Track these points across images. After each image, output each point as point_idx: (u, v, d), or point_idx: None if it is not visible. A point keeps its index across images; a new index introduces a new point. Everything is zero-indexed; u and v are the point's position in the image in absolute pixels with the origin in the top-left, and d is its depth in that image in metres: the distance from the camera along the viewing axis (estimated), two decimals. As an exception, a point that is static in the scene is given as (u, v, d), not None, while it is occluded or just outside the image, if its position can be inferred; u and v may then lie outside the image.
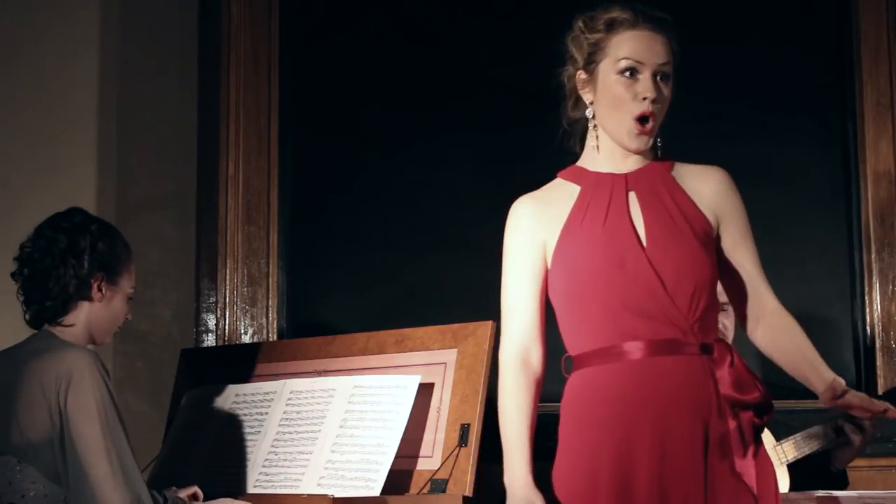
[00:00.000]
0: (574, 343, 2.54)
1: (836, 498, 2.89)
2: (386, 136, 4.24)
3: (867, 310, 4.18)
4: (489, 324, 2.98)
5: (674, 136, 4.16)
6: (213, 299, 4.11)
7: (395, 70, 4.26)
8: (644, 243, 2.50)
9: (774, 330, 2.56)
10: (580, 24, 2.62)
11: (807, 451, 3.44)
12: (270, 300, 4.12)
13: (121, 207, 4.21)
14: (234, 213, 4.13)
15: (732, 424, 2.46)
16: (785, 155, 4.25)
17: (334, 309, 4.16)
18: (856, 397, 2.45)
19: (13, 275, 2.89)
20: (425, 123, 4.24)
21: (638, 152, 2.58)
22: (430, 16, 4.29)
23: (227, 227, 4.13)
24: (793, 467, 3.44)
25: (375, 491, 2.86)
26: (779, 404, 3.97)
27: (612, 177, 2.58)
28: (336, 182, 4.24)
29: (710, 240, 2.56)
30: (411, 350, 3.12)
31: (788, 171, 4.25)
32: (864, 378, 4.17)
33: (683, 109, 4.24)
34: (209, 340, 4.09)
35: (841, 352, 4.21)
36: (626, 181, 2.57)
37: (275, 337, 4.08)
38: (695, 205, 2.57)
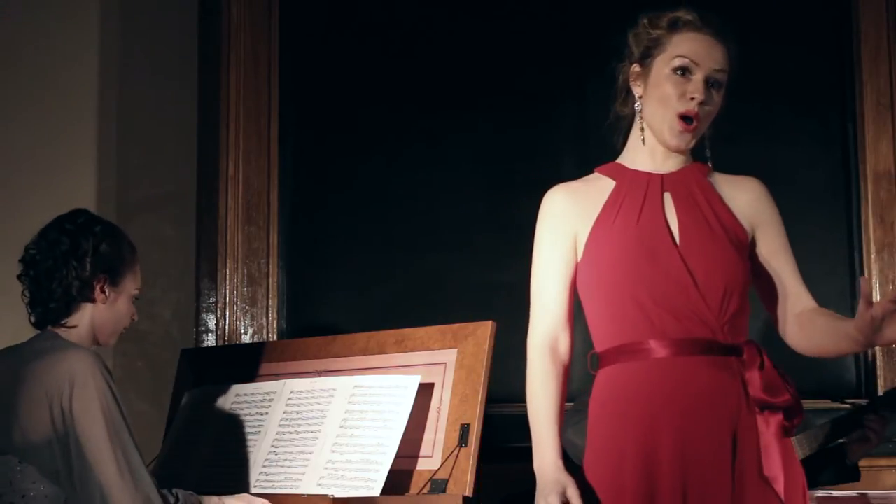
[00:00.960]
0: (602, 338, 2.54)
1: (836, 498, 2.88)
2: (386, 136, 4.24)
3: (867, 310, 4.17)
4: (489, 324, 2.97)
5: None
6: (213, 299, 4.11)
7: (395, 70, 4.26)
8: (677, 241, 2.50)
9: (808, 316, 2.53)
10: (645, 20, 2.62)
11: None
12: (270, 300, 4.12)
13: (121, 207, 4.21)
14: (234, 213, 4.13)
15: (762, 427, 2.45)
16: (785, 155, 4.25)
17: (334, 309, 4.16)
18: (883, 298, 2.38)
19: (19, 277, 2.89)
20: (425, 123, 4.24)
21: (678, 151, 2.57)
22: (430, 16, 4.29)
23: (227, 227, 4.13)
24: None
25: (375, 491, 2.86)
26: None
27: (649, 176, 2.58)
28: (336, 182, 4.24)
29: (744, 246, 2.55)
30: (411, 350, 3.12)
31: (788, 171, 4.25)
32: (864, 378, 4.17)
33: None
34: (209, 340, 4.09)
35: (841, 352, 4.21)
36: (662, 181, 2.57)
37: (275, 337, 4.08)
38: (730, 210, 2.57)
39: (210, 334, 4.10)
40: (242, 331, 4.10)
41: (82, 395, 2.68)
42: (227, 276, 4.10)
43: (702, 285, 2.46)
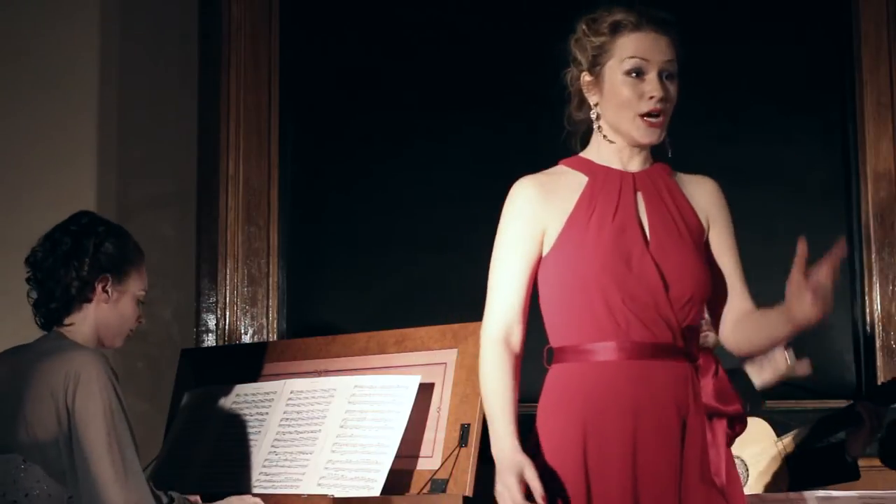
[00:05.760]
0: (562, 335, 2.53)
1: (836, 498, 2.88)
2: (386, 136, 4.25)
3: (867, 310, 4.18)
4: (489, 324, 2.97)
5: (673, 136, 4.18)
6: (213, 299, 4.11)
7: (395, 70, 4.27)
8: (649, 243, 2.51)
9: (745, 316, 2.56)
10: (583, 26, 2.63)
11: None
12: (270, 300, 4.12)
13: (121, 207, 4.21)
14: (234, 213, 4.13)
15: (709, 433, 2.47)
16: (785, 155, 4.25)
17: (334, 309, 4.16)
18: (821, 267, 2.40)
19: (27, 279, 2.90)
20: (425, 123, 4.24)
21: (651, 145, 2.58)
22: (429, 16, 4.29)
23: (227, 227, 4.13)
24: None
25: (375, 491, 2.86)
26: (778, 404, 4.01)
27: (621, 174, 2.58)
28: (336, 182, 4.24)
29: (703, 245, 2.58)
30: (411, 350, 3.12)
31: (788, 171, 4.25)
32: (864, 378, 4.17)
33: (683, 109, 4.28)
34: (209, 340, 4.09)
35: (841, 352, 4.21)
36: (634, 180, 2.57)
37: (275, 337, 4.08)
38: (693, 209, 2.59)
39: (210, 334, 4.10)
40: (242, 331, 4.10)
41: (84, 394, 2.69)
42: (227, 276, 4.11)
43: (672, 290, 2.48)
